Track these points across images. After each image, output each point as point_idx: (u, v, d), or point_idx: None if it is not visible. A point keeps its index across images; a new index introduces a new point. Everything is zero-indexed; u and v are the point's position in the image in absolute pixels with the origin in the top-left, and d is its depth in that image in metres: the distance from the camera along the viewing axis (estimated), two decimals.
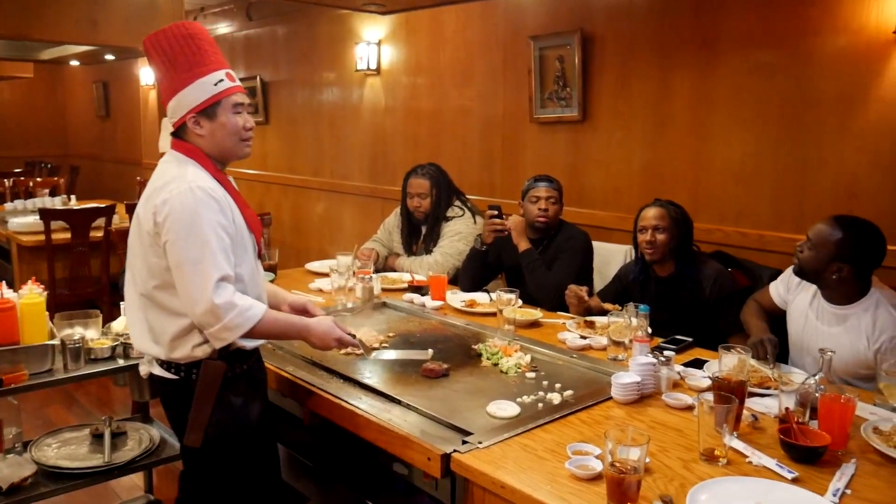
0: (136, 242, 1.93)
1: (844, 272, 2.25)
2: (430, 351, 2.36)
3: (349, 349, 2.33)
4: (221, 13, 7.09)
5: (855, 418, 1.87)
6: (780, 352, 2.39)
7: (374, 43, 5.42)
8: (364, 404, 2.02)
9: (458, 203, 3.76)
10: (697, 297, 2.78)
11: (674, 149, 3.72)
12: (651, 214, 2.82)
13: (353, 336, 2.13)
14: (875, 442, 1.76)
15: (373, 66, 5.44)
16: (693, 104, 3.63)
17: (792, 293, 2.52)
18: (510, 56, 4.49)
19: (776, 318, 2.56)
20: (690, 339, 2.56)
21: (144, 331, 1.94)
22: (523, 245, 3.18)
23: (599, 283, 3.31)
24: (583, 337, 2.58)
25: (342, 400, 2.05)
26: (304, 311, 2.21)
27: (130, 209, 5.07)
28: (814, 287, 2.42)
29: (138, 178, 7.42)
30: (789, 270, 2.54)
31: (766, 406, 2.00)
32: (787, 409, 1.81)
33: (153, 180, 1.93)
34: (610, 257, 3.48)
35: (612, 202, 3.98)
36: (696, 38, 3.58)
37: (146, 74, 8.39)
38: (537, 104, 4.31)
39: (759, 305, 2.62)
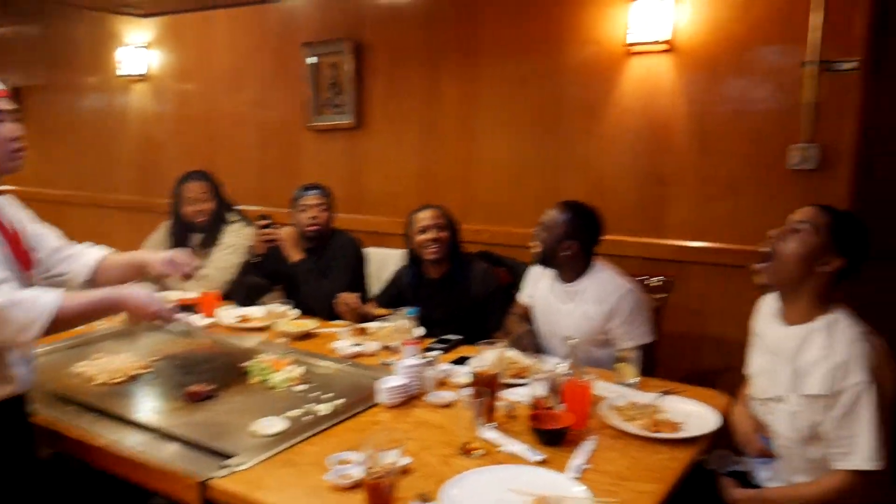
0: None
1: (574, 249, 2.54)
2: (259, 338, 2.27)
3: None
4: None
5: (598, 398, 2.05)
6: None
7: (139, 47, 5.10)
8: (121, 438, 1.88)
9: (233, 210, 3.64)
10: (467, 295, 2.90)
11: (445, 153, 3.87)
12: (429, 215, 2.91)
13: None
14: (611, 418, 1.93)
15: (139, 71, 5.11)
16: (460, 110, 3.79)
17: (533, 287, 2.73)
18: (283, 63, 4.42)
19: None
20: (460, 337, 2.67)
21: None
22: (296, 255, 3.14)
23: (380, 288, 3.35)
24: (356, 344, 2.59)
25: (95, 436, 1.89)
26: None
27: None
28: (550, 274, 2.65)
29: None
30: (529, 271, 2.76)
31: (522, 395, 2.13)
32: (535, 396, 1.94)
33: None
34: (390, 262, 3.53)
35: (390, 207, 4.05)
36: (461, 47, 3.74)
37: None
38: (313, 111, 4.28)
39: (517, 315, 2.81)
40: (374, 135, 4.11)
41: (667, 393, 2.12)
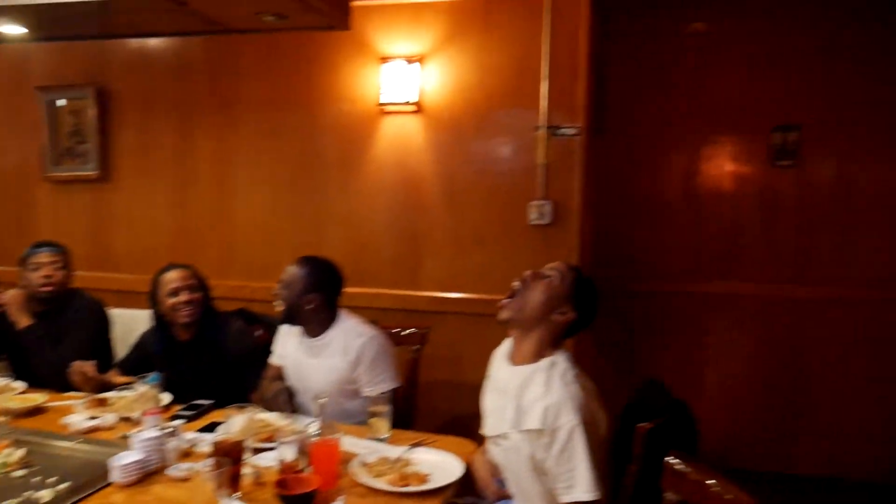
0: None
1: (316, 302, 2.56)
2: None
3: None
4: None
5: (349, 455, 2.05)
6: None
7: None
8: None
9: None
10: (221, 356, 2.78)
11: (200, 208, 3.73)
12: (178, 276, 2.75)
13: None
14: (359, 475, 1.94)
15: None
16: (216, 164, 3.69)
17: (283, 346, 2.71)
18: (15, 107, 4.03)
19: None
20: (210, 403, 2.55)
21: None
22: (24, 321, 2.82)
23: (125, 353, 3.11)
24: (92, 417, 2.37)
25: None
26: None
27: None
28: (297, 331, 2.65)
29: None
30: (279, 330, 2.74)
31: (273, 460, 2.06)
32: (282, 461, 1.90)
33: None
34: (139, 324, 3.29)
35: (141, 265, 3.78)
36: (215, 100, 3.66)
37: None
38: (50, 160, 3.93)
39: (270, 376, 2.74)
40: (122, 187, 3.86)
41: (416, 445, 2.17)
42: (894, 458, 3.83)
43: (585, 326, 1.97)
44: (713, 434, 4.07)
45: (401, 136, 3.38)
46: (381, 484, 1.90)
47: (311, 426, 2.05)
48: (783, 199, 3.95)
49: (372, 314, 2.86)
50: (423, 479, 1.94)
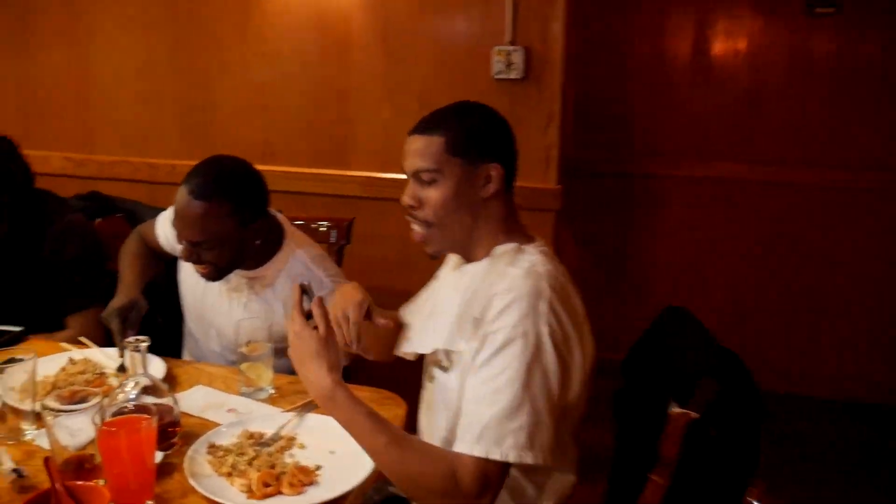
0: None
1: (260, 233, 1.69)
2: None
3: None
4: None
5: (204, 426, 1.27)
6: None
7: None
8: None
9: None
10: (37, 263, 1.93)
11: (49, 64, 2.85)
12: None
13: None
14: (194, 475, 1.13)
15: None
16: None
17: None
18: None
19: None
20: (20, 329, 1.75)
21: None
22: None
23: None
24: None
25: None
26: None
27: None
28: None
29: None
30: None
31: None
32: (55, 445, 1.09)
33: None
34: None
35: None
36: None
37: None
38: None
39: (143, 244, 1.95)
40: None
41: (306, 406, 1.37)
42: None
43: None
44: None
45: None
46: (231, 494, 1.10)
47: (134, 382, 1.23)
48: (818, 60, 3.11)
49: (287, 201, 2.07)
50: (307, 476, 1.15)
